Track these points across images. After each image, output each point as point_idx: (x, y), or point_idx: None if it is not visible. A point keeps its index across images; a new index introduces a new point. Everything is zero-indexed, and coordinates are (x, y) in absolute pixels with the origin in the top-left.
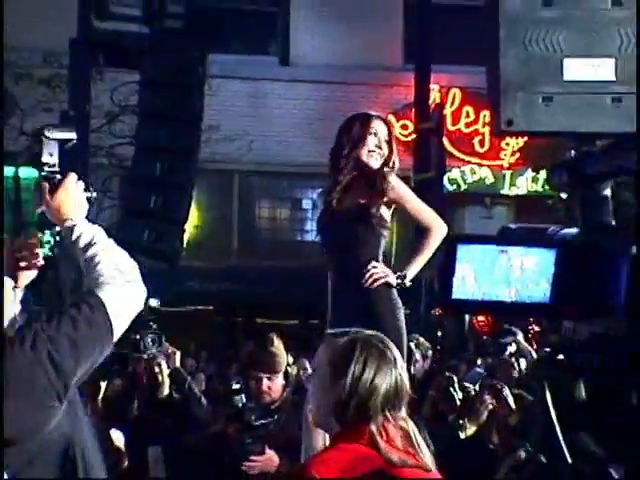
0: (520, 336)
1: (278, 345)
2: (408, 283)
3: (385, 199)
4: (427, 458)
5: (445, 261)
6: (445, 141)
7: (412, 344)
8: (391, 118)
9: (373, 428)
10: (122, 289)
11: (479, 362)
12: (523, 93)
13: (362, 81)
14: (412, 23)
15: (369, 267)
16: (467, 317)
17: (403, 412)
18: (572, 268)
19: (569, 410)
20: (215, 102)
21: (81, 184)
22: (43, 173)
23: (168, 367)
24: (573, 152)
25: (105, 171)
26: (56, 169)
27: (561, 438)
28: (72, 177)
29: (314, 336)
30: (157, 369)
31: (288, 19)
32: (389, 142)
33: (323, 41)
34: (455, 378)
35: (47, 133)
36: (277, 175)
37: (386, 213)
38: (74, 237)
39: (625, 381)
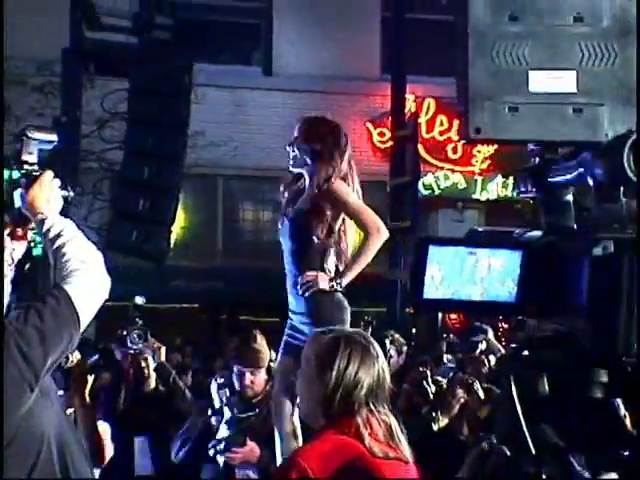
0: (490, 334)
1: (261, 341)
2: (340, 287)
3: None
4: (406, 451)
5: (416, 262)
6: (420, 148)
7: (387, 340)
8: (369, 126)
9: (358, 420)
10: (87, 280)
11: (450, 358)
12: (490, 103)
13: (341, 90)
14: (388, 36)
15: (300, 277)
16: (440, 315)
17: (385, 406)
18: (536, 269)
19: (533, 404)
20: (201, 110)
21: (57, 181)
22: (22, 171)
23: (154, 362)
24: (537, 159)
25: (96, 174)
26: (35, 168)
27: (526, 430)
28: (48, 174)
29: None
30: (143, 363)
31: (271, 31)
32: None
33: (304, 52)
34: (429, 372)
35: (28, 133)
36: (259, 179)
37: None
38: (44, 229)
39: (585, 377)
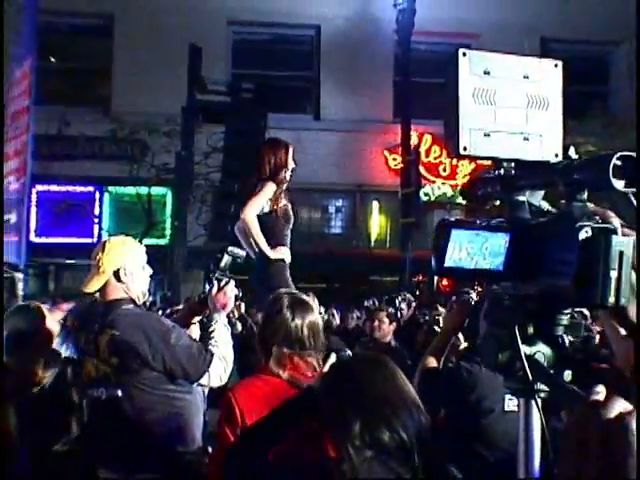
0: (473, 294)
1: (313, 299)
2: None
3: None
4: None
5: (440, 240)
6: (421, 168)
7: (399, 298)
8: (386, 153)
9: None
10: (216, 364)
11: (442, 311)
12: (472, 130)
13: (366, 129)
14: (398, 92)
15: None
16: (435, 281)
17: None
18: (520, 245)
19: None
20: None
21: (234, 289)
22: (216, 275)
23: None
24: (503, 171)
25: (203, 189)
26: (226, 274)
27: (525, 361)
28: (231, 283)
29: (334, 293)
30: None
31: (319, 90)
32: None
33: (341, 104)
34: (440, 319)
35: (228, 250)
36: (311, 191)
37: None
38: (213, 324)
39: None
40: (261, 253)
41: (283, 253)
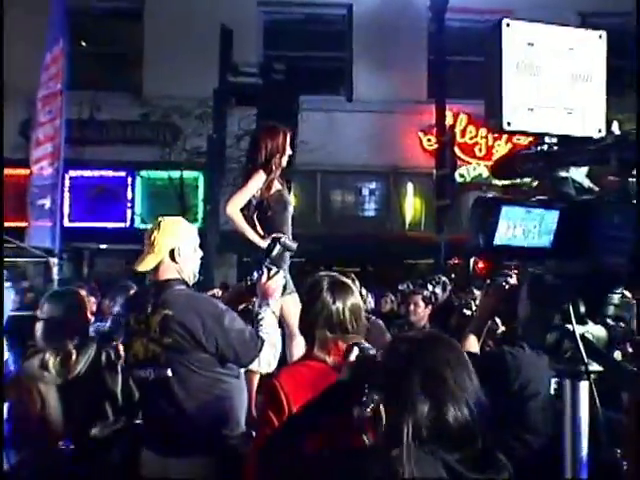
0: (513, 277)
1: (355, 280)
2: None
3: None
4: None
5: (490, 218)
6: (456, 149)
7: (433, 282)
8: (420, 134)
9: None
10: (266, 350)
11: (477, 294)
12: (516, 105)
13: (400, 110)
14: (433, 72)
15: None
16: (471, 264)
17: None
18: (569, 222)
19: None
20: (305, 127)
21: (282, 279)
22: (266, 263)
23: None
24: (546, 147)
25: (235, 172)
26: (276, 265)
27: (579, 340)
28: (280, 274)
29: (369, 276)
30: None
31: (352, 71)
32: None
33: (375, 85)
34: (472, 303)
35: (280, 240)
36: (345, 173)
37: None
38: (261, 312)
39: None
40: (251, 245)
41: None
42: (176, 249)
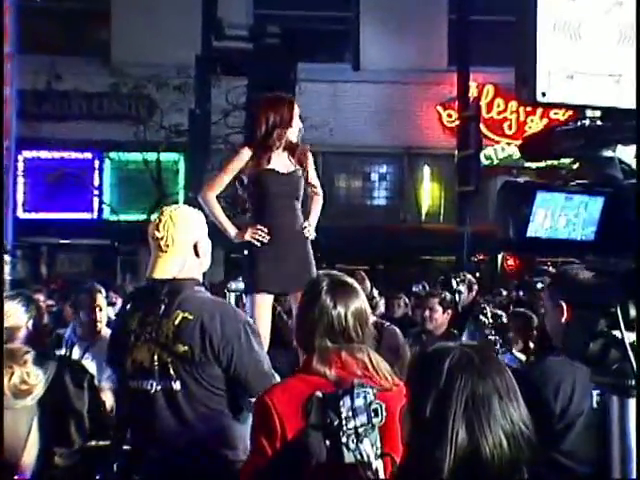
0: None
1: (365, 279)
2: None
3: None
4: (384, 381)
5: (523, 207)
6: (481, 126)
7: (456, 280)
8: (439, 109)
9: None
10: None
11: (505, 294)
12: (552, 71)
13: (416, 81)
14: (453, 34)
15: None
16: (500, 261)
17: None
18: (617, 212)
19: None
20: (303, 100)
21: None
22: None
23: None
24: (588, 121)
25: (222, 154)
26: None
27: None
28: None
29: (378, 276)
30: None
31: (358, 34)
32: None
33: (385, 50)
34: (488, 308)
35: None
36: (350, 155)
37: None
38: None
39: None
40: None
41: (255, 233)
42: (198, 244)
